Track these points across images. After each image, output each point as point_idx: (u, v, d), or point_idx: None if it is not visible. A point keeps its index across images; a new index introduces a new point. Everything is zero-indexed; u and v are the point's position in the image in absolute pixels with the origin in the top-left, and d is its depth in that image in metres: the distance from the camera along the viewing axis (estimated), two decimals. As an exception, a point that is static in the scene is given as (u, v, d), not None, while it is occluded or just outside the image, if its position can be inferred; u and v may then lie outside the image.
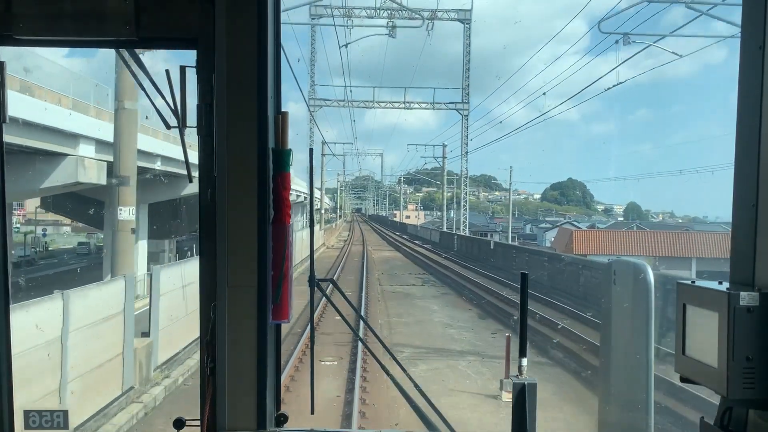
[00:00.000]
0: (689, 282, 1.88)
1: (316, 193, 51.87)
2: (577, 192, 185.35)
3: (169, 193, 32.88)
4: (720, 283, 1.84)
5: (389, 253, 56.59)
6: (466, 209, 61.95)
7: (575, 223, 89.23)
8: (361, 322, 15.04)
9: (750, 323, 1.71)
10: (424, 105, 56.46)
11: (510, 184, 64.04)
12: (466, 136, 57.54)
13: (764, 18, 1.81)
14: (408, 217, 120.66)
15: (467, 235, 60.16)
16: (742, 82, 1.90)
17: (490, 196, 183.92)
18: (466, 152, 58.02)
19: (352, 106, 58.84)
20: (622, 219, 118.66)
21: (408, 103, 55.68)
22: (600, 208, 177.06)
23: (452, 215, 67.57)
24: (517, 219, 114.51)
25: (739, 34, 1.94)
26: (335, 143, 73.45)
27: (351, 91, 53.53)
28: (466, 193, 61.56)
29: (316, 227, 42.61)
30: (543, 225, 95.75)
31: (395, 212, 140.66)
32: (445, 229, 67.86)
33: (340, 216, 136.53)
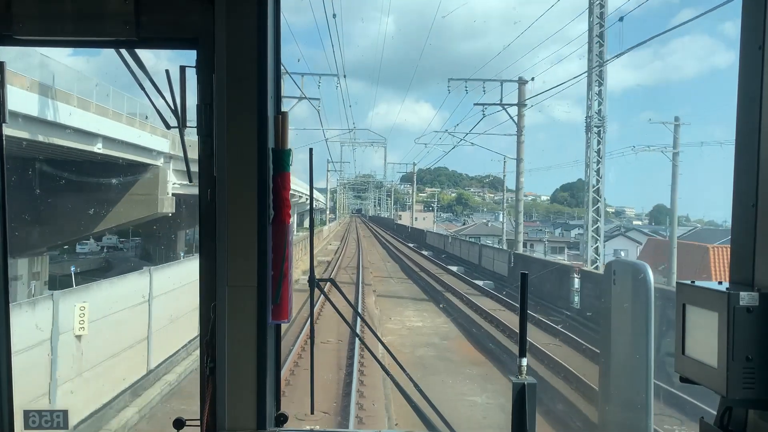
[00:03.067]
0: (689, 282, 1.87)
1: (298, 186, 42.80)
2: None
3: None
4: (720, 283, 1.83)
5: (419, 318, 22.91)
6: (599, 214, 27.29)
7: (642, 230, 74.63)
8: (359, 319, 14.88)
9: (750, 323, 1.70)
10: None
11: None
12: (600, 37, 26.05)
13: (764, 18, 1.80)
14: (416, 219, 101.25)
15: (597, 272, 23.76)
16: (742, 82, 1.90)
17: (496, 197, 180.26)
18: (599, 65, 26.17)
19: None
20: (638, 223, 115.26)
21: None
22: (610, 210, 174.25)
23: (471, 220, 40.53)
24: (536, 223, 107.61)
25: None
26: (303, 74, 39.01)
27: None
28: (599, 174, 27.13)
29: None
30: (577, 231, 78.83)
31: (400, 213, 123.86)
32: (521, 250, 34.91)
33: (333, 218, 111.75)
